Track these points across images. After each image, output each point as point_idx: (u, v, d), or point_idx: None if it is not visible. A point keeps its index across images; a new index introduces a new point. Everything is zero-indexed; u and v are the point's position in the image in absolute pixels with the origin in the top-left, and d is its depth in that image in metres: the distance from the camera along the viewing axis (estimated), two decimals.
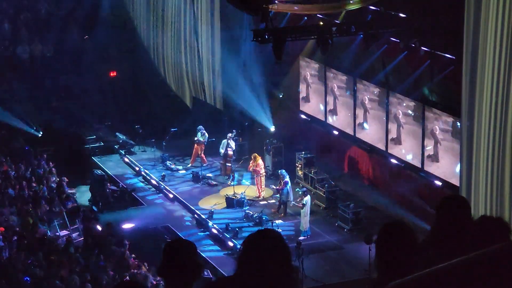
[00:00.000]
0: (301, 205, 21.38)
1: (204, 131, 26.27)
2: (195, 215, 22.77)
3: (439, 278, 3.13)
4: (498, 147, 16.11)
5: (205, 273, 18.24)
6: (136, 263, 19.17)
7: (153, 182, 25.35)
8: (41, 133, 27.74)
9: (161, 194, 24.71)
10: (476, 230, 4.58)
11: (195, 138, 26.29)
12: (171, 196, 24.37)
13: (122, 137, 28.06)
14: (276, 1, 18.78)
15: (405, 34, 20.96)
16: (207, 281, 18.12)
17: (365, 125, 24.05)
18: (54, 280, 17.56)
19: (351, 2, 19.88)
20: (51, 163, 25.16)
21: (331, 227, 22.13)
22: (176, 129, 27.66)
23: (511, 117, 15.75)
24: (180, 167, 26.53)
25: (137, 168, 26.44)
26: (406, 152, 22.37)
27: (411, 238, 4.16)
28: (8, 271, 17.92)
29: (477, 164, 16.70)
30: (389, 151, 23.03)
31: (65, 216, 21.99)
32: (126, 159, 27.28)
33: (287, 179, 22.71)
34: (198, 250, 4.67)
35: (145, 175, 25.93)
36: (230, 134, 25.76)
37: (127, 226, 21.82)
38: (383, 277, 4.07)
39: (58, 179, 24.11)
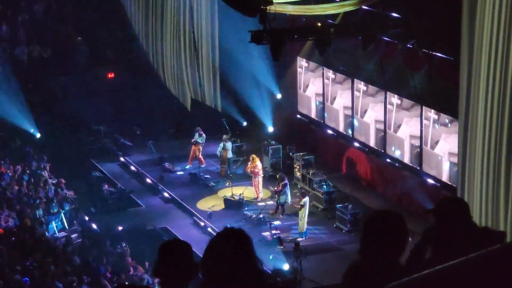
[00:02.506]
0: (300, 206, 21.37)
1: (202, 132, 26.25)
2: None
3: (438, 279, 3.13)
4: (494, 148, 16.13)
5: None
6: (134, 264, 19.17)
7: (151, 183, 25.38)
8: (39, 134, 27.72)
9: (159, 196, 24.69)
10: (475, 234, 4.58)
11: (193, 140, 26.27)
12: (169, 197, 24.35)
13: (120, 138, 28.04)
14: (274, 3, 18.77)
15: (403, 35, 20.97)
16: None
17: (362, 126, 24.08)
18: (52, 282, 17.55)
19: (349, 2, 19.89)
20: (49, 164, 25.13)
21: (329, 228, 22.14)
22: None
23: (507, 118, 15.78)
24: (178, 168, 26.50)
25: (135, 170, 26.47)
26: (404, 153, 22.38)
27: (402, 225, 4.16)
28: (6, 273, 17.91)
29: (473, 165, 16.72)
30: (387, 152, 23.05)
31: (63, 218, 21.98)
32: (124, 161, 27.27)
33: (286, 181, 22.69)
34: (194, 250, 4.67)
35: (144, 177, 25.94)
36: (225, 136, 25.73)
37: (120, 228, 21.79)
38: (367, 260, 4.07)
39: (56, 180, 24.09)
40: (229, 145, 25.64)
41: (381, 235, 4.08)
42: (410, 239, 4.21)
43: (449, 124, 20.49)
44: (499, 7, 15.52)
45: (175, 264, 4.39)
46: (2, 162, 24.59)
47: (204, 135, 26.27)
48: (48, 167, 24.92)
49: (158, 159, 26.85)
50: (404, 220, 4.18)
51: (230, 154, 25.57)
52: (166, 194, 24.51)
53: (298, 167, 24.71)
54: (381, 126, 23.18)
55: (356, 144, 24.44)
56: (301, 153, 24.87)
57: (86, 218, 22.40)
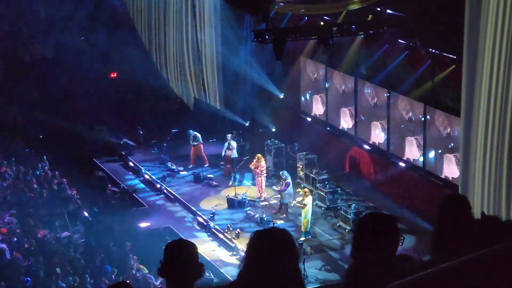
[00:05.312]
0: (303, 206, 21.35)
1: (195, 133, 26.27)
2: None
3: (440, 278, 3.12)
4: (496, 146, 16.13)
5: (207, 274, 18.24)
6: (137, 264, 19.16)
7: (155, 183, 25.37)
8: (42, 134, 27.71)
9: (162, 195, 24.69)
10: (478, 229, 4.56)
11: (190, 143, 26.33)
12: (172, 197, 24.36)
13: (123, 138, 28.05)
14: (276, 1, 18.79)
15: (406, 34, 20.96)
16: (209, 282, 18.13)
17: (366, 125, 24.06)
18: (55, 281, 17.56)
19: (352, 2, 19.88)
20: (51, 164, 25.13)
21: (332, 228, 22.13)
22: (177, 129, 27.73)
23: (510, 116, 15.77)
24: (181, 168, 26.49)
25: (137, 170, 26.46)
26: (408, 152, 22.37)
27: (393, 228, 4.11)
28: (9, 273, 17.92)
29: (476, 163, 16.71)
30: (390, 151, 23.04)
31: (66, 217, 21.97)
32: (127, 160, 27.27)
33: (289, 180, 22.68)
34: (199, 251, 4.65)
35: (147, 176, 25.93)
36: (229, 135, 25.71)
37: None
38: (360, 263, 4.04)
39: (58, 180, 24.08)
40: (233, 144, 25.64)
41: (371, 238, 4.03)
42: (401, 244, 4.15)
43: (452, 122, 20.47)
44: (504, 5, 15.49)
45: (181, 264, 4.38)
46: (5, 162, 24.59)
47: (198, 134, 26.27)
48: (51, 167, 24.90)
49: (161, 158, 26.85)
50: (396, 224, 4.13)
51: (234, 154, 25.56)
52: (169, 194, 24.51)
53: (301, 166, 24.70)
54: (384, 125, 23.16)
55: (359, 143, 24.42)
56: (304, 152, 24.86)
57: (89, 218, 22.38)
